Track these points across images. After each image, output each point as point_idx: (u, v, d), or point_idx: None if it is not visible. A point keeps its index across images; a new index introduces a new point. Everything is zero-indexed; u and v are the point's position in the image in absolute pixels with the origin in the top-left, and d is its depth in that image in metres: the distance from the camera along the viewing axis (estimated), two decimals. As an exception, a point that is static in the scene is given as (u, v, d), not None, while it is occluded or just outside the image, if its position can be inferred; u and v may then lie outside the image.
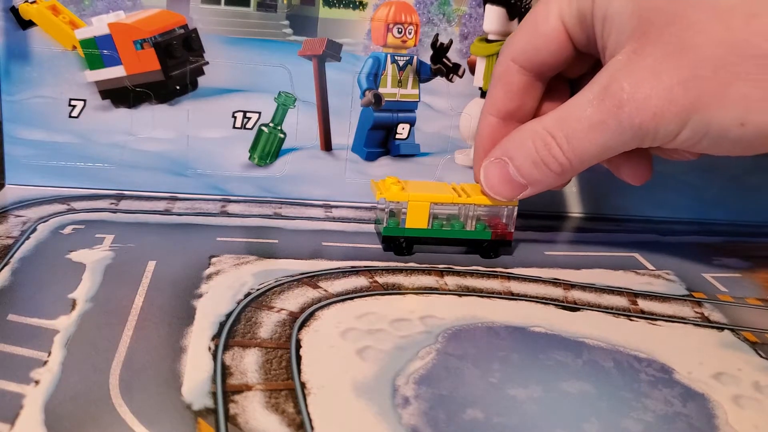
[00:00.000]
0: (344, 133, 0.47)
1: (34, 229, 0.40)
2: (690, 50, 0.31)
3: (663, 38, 0.32)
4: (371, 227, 0.45)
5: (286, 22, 0.45)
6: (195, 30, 0.44)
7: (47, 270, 0.35)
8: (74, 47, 0.43)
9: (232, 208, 0.46)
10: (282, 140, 0.47)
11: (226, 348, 0.30)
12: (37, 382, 0.27)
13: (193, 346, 0.30)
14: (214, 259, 0.38)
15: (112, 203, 0.45)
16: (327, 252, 0.41)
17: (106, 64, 0.44)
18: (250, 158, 0.47)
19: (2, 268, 0.35)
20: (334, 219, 0.46)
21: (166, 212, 0.44)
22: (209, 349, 0.30)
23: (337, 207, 0.48)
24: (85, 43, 0.43)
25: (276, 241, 0.42)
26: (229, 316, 0.33)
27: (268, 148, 0.47)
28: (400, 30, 0.45)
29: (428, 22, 0.46)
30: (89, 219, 0.42)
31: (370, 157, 0.48)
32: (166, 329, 0.31)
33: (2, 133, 0.45)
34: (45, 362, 0.28)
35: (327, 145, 0.47)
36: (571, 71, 0.39)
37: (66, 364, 0.28)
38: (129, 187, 0.47)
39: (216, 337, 0.31)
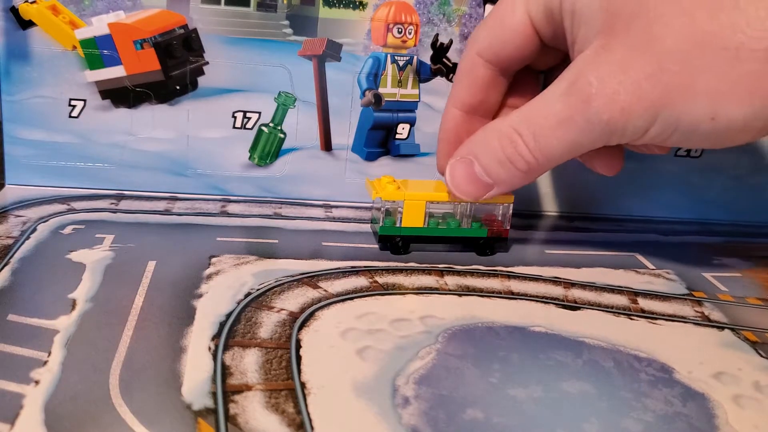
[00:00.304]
0: (344, 133, 0.47)
1: (34, 229, 0.40)
2: (656, 44, 0.30)
3: (630, 32, 0.31)
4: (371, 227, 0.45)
5: (286, 22, 0.45)
6: (195, 30, 0.44)
7: (47, 270, 0.35)
8: (74, 47, 0.43)
9: (232, 208, 0.46)
10: (282, 140, 0.47)
11: (226, 348, 0.30)
12: (37, 382, 0.27)
13: (193, 346, 0.30)
14: (214, 259, 0.38)
15: (112, 203, 0.45)
16: (327, 252, 0.41)
17: (106, 64, 0.44)
18: (250, 158, 0.47)
19: (2, 268, 0.35)
20: (334, 219, 0.46)
21: (166, 212, 0.44)
22: (209, 349, 0.30)
23: (337, 207, 0.48)
24: (85, 43, 0.43)
25: (276, 241, 0.42)
26: (229, 316, 0.33)
27: (268, 148, 0.47)
28: (400, 30, 0.45)
29: (428, 22, 0.46)
30: (89, 219, 0.42)
31: (370, 157, 0.48)
32: (166, 329, 0.31)
33: (2, 133, 0.45)
34: (45, 362, 0.28)
35: (327, 145, 0.47)
36: (538, 64, 0.39)
37: (66, 364, 0.28)
38: (129, 187, 0.47)
39: (216, 337, 0.31)
